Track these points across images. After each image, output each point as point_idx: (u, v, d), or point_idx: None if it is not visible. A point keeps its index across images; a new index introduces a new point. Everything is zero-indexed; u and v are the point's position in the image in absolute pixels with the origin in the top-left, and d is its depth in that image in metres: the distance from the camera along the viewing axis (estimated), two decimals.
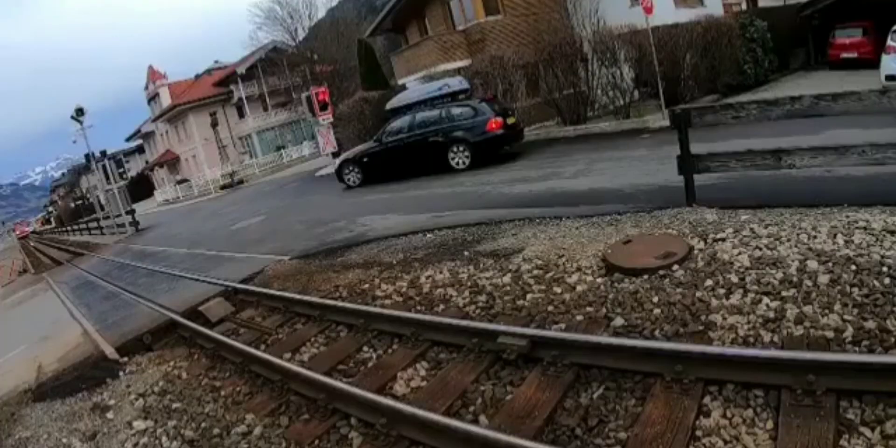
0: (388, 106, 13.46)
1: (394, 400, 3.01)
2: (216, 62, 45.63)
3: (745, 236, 4.01)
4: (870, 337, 2.63)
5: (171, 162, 44.40)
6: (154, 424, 3.68)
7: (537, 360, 3.12)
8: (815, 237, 3.75)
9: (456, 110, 11.75)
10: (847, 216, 3.99)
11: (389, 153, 12.47)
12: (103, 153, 22.29)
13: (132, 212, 20.99)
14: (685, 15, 14.92)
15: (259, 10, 35.96)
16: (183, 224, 17.65)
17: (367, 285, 5.23)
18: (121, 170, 22.51)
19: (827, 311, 2.91)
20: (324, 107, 16.64)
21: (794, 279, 3.27)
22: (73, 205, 64.27)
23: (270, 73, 38.31)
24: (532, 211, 6.38)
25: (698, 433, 2.32)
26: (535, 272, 4.42)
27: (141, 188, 44.92)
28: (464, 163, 11.39)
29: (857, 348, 2.60)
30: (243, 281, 6.45)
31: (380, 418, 2.89)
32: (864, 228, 3.73)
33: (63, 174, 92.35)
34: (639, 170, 7.53)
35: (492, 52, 15.51)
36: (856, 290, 3.04)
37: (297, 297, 5.18)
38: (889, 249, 3.37)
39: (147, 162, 51.85)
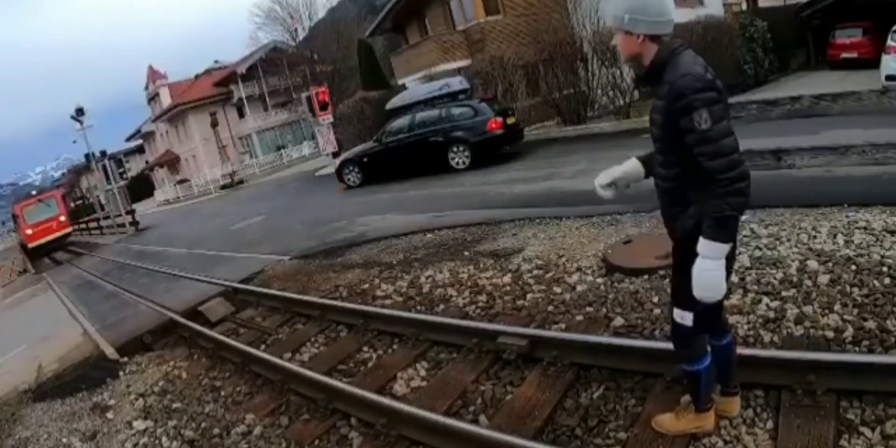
0: (389, 106, 13.46)
1: (394, 400, 3.02)
2: (216, 62, 45.57)
3: (744, 236, 4.01)
4: (870, 337, 2.64)
5: (171, 162, 44.38)
6: (154, 424, 3.68)
7: (537, 360, 3.12)
8: (815, 237, 3.75)
9: (456, 110, 11.75)
10: (847, 216, 3.99)
11: (389, 153, 12.46)
12: (103, 153, 22.29)
13: (132, 212, 20.99)
14: (685, 15, 14.89)
15: (259, 10, 35.94)
16: (183, 224, 17.64)
17: (367, 285, 5.23)
18: (121, 170, 22.49)
19: (827, 311, 2.91)
20: (324, 107, 16.64)
21: (794, 279, 3.27)
22: (73, 205, 64.14)
23: (270, 73, 38.27)
24: (532, 211, 6.38)
25: (698, 433, 2.32)
26: (535, 272, 4.43)
27: (141, 188, 44.89)
28: (464, 163, 11.39)
29: (857, 348, 2.60)
30: (243, 281, 6.45)
31: (380, 418, 2.89)
32: (864, 228, 3.73)
33: (63, 174, 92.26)
34: None
35: (492, 52, 15.51)
36: (856, 290, 3.04)
37: (297, 296, 5.18)
38: (889, 249, 3.37)
39: (147, 162, 51.80)
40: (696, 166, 1.81)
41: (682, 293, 1.98)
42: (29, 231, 21.57)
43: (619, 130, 12.21)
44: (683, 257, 1.94)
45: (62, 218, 22.31)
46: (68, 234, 22.62)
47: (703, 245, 1.83)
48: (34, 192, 25.41)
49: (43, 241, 21.45)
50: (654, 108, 1.97)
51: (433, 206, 8.18)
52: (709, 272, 1.83)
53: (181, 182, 37.88)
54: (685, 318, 2.01)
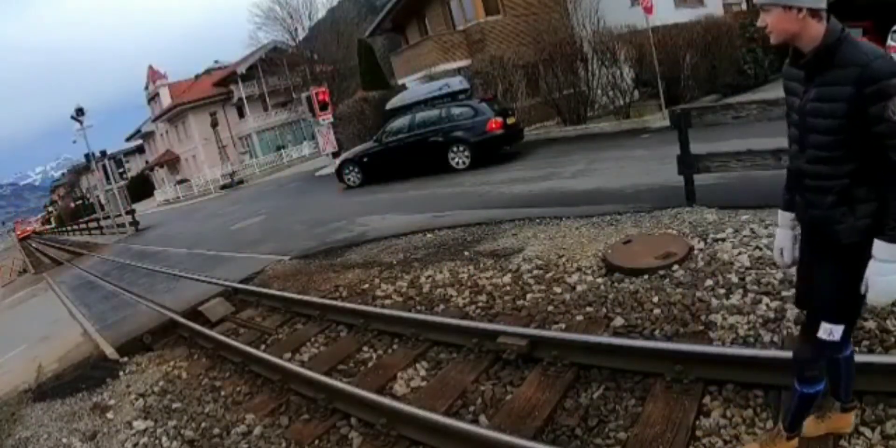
0: (389, 106, 13.46)
1: (394, 400, 3.02)
2: (216, 62, 45.58)
3: (745, 236, 4.01)
4: (870, 337, 2.64)
5: (171, 162, 44.38)
6: (154, 424, 3.68)
7: (537, 360, 3.12)
8: None
9: (456, 110, 11.74)
10: None
11: (389, 153, 12.46)
12: (103, 153, 22.34)
13: (132, 212, 21.00)
14: (685, 15, 14.91)
15: (259, 10, 35.89)
16: (183, 224, 17.65)
17: (367, 285, 5.23)
18: (121, 170, 22.62)
19: None
20: (324, 107, 16.65)
21: (795, 279, 3.26)
22: (73, 205, 64.34)
23: (270, 73, 38.29)
24: (532, 211, 6.38)
25: (698, 433, 2.32)
26: (535, 272, 4.43)
27: (141, 188, 44.90)
28: (464, 163, 11.39)
29: (857, 348, 2.59)
30: (243, 281, 6.45)
31: (380, 418, 2.89)
32: None
33: (63, 174, 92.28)
34: (639, 170, 7.53)
35: (492, 52, 15.51)
36: None
37: (297, 296, 5.18)
38: None
39: (147, 162, 51.82)
40: (876, 161, 1.63)
41: (839, 304, 1.78)
42: (19, 232, 59.22)
43: (619, 130, 12.20)
44: (849, 264, 1.72)
45: (30, 227, 60.97)
46: (35, 233, 55.27)
47: (882, 248, 1.63)
48: (20, 220, 73.74)
49: (24, 235, 53.91)
50: (822, 96, 1.76)
51: (433, 206, 8.18)
52: (891, 276, 1.63)
53: (181, 182, 37.89)
54: (835, 332, 1.78)
